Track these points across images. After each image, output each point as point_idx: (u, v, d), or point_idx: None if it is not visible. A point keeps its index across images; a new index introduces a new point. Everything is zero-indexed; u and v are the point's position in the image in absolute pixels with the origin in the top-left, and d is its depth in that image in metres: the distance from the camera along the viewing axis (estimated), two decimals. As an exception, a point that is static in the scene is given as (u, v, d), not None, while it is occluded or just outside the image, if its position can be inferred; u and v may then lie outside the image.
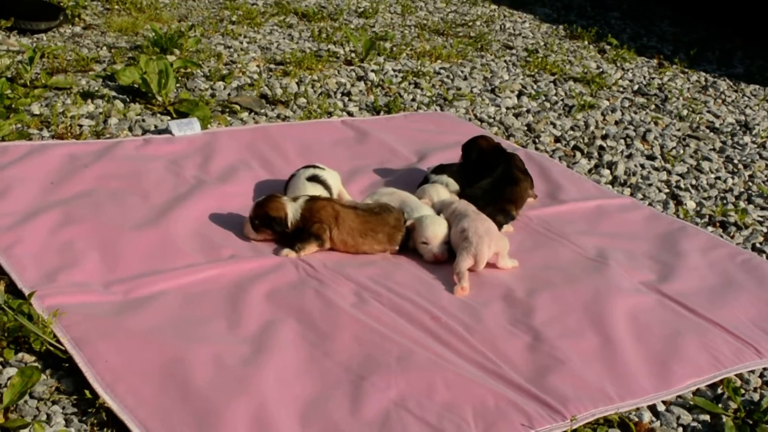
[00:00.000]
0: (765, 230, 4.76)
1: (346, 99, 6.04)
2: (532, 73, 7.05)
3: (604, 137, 5.83)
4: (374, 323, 3.48)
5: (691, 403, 3.28)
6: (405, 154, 5.19)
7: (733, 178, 5.41)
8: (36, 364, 3.09)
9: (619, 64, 7.63)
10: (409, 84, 6.48)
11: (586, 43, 8.26)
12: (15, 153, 4.55)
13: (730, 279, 4.18)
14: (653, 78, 7.32)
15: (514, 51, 7.71)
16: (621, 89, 6.94)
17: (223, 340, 3.28)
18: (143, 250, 3.83)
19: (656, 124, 6.22)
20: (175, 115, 5.33)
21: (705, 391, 3.38)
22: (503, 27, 8.58)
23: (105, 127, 5.10)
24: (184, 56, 6.41)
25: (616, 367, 3.39)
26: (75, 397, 2.96)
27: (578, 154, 5.53)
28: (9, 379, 2.96)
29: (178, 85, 5.82)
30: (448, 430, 2.94)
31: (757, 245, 4.59)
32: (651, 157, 5.60)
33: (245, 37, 7.21)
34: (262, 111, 5.63)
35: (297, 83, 6.18)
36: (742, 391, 3.39)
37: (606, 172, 5.27)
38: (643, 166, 5.42)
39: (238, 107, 5.60)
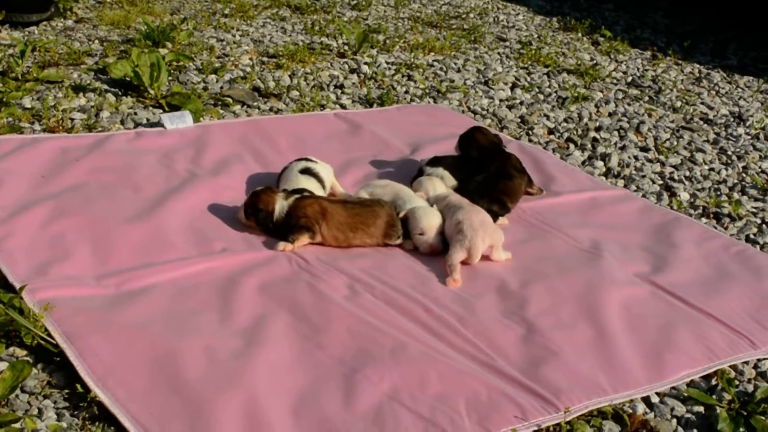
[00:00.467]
0: (759, 221, 4.76)
1: (339, 92, 6.02)
2: (526, 66, 7.04)
3: (598, 129, 5.82)
4: (367, 316, 3.47)
5: (685, 394, 3.27)
6: (398, 147, 5.17)
7: (726, 170, 5.40)
8: (27, 358, 3.07)
9: (612, 56, 7.61)
10: (403, 76, 6.46)
11: (579, 35, 8.25)
12: (6, 147, 4.53)
13: (724, 270, 4.17)
14: (647, 70, 7.31)
15: (507, 43, 7.70)
16: (614, 81, 6.93)
17: (215, 333, 3.27)
18: (135, 243, 3.82)
19: (650, 115, 6.21)
20: (167, 109, 5.31)
21: (699, 383, 3.37)
22: (497, 19, 8.57)
23: (97, 120, 5.08)
24: (177, 49, 6.39)
25: (609, 359, 3.38)
26: (66, 391, 2.95)
27: (572, 146, 5.52)
28: (0, 373, 2.94)
29: (170, 78, 5.81)
30: (441, 423, 2.93)
31: (751, 236, 4.58)
32: (645, 149, 5.59)
33: (238, 30, 7.19)
34: (255, 104, 5.61)
35: (290, 76, 6.17)
36: (737, 383, 3.38)
37: (600, 163, 5.26)
38: (636, 158, 5.41)
39: (230, 100, 5.58)
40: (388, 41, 7.25)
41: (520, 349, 3.38)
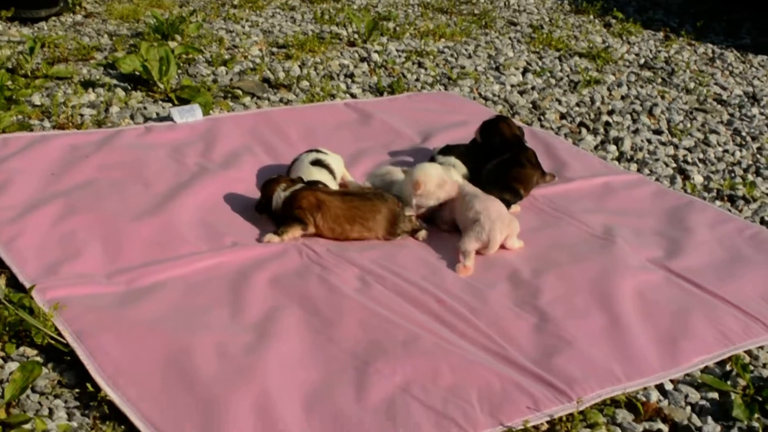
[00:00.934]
0: (774, 203, 4.72)
1: (349, 81, 5.99)
2: (537, 50, 6.99)
3: (610, 113, 5.78)
4: (379, 308, 3.46)
5: (700, 381, 3.24)
6: (409, 135, 5.15)
7: (741, 151, 5.35)
8: (37, 358, 3.07)
9: (624, 38, 7.56)
10: (413, 64, 6.43)
11: (591, 17, 8.19)
12: (16, 145, 4.53)
13: (739, 254, 4.13)
14: (659, 51, 7.25)
15: (518, 27, 7.65)
16: (627, 63, 6.88)
17: (226, 328, 3.26)
18: (145, 240, 3.81)
19: (663, 98, 6.16)
20: (176, 102, 5.30)
21: (713, 369, 3.34)
22: (507, 3, 8.52)
23: (106, 116, 5.07)
24: (186, 42, 6.38)
25: (623, 347, 3.35)
26: (77, 390, 2.94)
27: (584, 130, 5.48)
28: (10, 374, 2.94)
29: (179, 71, 5.80)
30: (454, 415, 2.91)
31: (766, 218, 4.54)
32: (658, 132, 5.55)
33: (247, 20, 7.17)
34: (265, 95, 5.60)
35: (299, 66, 6.15)
36: (751, 368, 3.34)
37: (612, 148, 5.22)
38: (650, 141, 5.37)
39: (240, 92, 5.57)
40: (398, 28, 7.21)
41: (533, 338, 3.36)
